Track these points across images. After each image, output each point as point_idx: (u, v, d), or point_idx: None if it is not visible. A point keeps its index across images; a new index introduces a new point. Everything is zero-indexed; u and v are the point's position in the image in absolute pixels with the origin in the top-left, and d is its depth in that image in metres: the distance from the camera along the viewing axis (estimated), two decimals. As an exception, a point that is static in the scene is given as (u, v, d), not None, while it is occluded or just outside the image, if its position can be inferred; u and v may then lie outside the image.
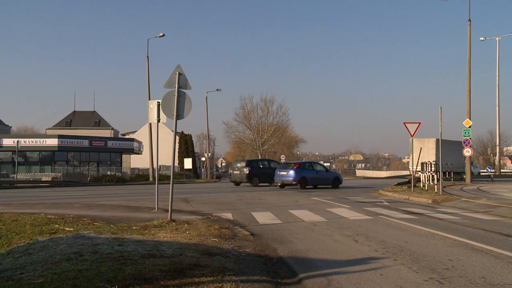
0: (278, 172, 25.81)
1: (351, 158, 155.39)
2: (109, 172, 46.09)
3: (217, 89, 57.44)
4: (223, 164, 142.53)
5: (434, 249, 7.12)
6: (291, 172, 24.77)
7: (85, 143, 48.87)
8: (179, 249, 6.48)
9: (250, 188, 28.16)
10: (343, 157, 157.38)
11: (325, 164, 51.50)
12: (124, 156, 55.27)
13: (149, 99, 38.06)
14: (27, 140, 46.89)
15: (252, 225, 10.33)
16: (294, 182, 24.79)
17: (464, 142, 27.09)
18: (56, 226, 8.88)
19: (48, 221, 9.70)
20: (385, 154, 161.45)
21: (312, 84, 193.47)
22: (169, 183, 10.47)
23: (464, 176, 30.40)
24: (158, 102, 11.89)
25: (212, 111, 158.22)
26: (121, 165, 52.45)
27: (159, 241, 7.20)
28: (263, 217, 11.65)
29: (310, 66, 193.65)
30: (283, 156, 67.45)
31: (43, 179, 42.11)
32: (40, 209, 13.39)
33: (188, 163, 48.62)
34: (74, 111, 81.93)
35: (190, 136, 68.24)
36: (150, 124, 38.73)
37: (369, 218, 11.51)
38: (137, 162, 62.56)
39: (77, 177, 43.78)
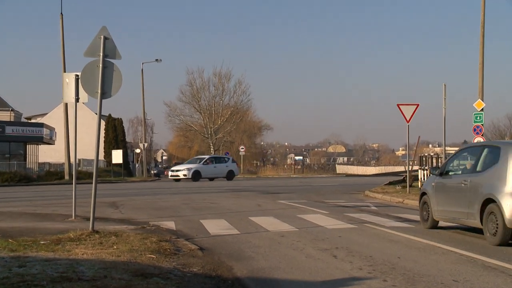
0: None
1: (331, 150, 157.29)
2: (8, 169, 44.94)
3: (157, 60, 57.06)
4: (164, 157, 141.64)
5: (434, 267, 7.28)
6: None
7: (-26, 129, 47.53)
8: (104, 269, 6.44)
9: (200, 188, 28.60)
10: (320, 149, 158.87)
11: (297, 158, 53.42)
12: (30, 147, 54.13)
13: (64, 71, 37.09)
14: None
15: (201, 236, 10.36)
16: None
17: (475, 130, 27.76)
18: None
19: None
20: (374, 145, 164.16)
21: (280, 57, 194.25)
22: (92, 183, 10.37)
23: None
24: (77, 76, 11.76)
25: (150, 89, 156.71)
26: (25, 159, 51.39)
27: (76, 259, 7.12)
28: (216, 226, 11.69)
29: (277, 34, 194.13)
30: (242, 147, 67.68)
31: None
32: None
33: (117, 156, 48.11)
34: (-39, 86, 79.47)
35: (120, 121, 67.41)
36: (66, 104, 37.96)
37: (352, 226, 11.69)
38: (48, 155, 61.24)
39: (-39, 175, 42.57)
